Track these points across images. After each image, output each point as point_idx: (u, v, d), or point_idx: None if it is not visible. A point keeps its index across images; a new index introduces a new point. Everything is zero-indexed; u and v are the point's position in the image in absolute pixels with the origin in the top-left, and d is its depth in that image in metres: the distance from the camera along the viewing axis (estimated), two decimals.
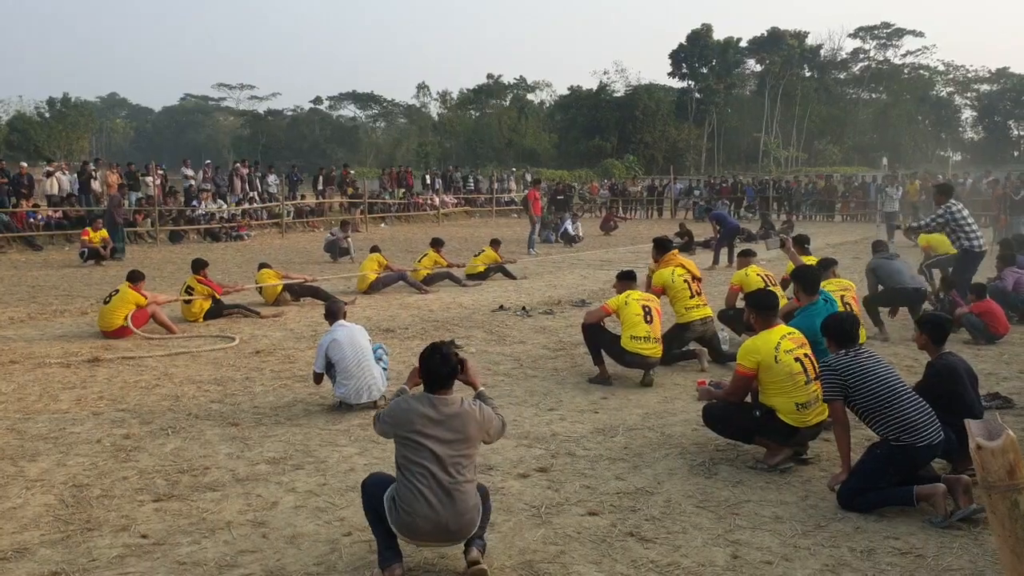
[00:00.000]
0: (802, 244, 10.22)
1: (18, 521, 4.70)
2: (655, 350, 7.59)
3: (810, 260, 9.23)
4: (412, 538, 3.95)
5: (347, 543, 4.36)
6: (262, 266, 13.05)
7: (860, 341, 5.23)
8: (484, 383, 7.67)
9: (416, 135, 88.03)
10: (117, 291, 10.27)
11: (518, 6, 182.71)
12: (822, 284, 7.19)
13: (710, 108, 79.00)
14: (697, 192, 38.39)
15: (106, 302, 10.21)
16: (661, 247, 8.87)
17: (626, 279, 8.08)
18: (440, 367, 4.07)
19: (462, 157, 72.25)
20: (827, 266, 8.85)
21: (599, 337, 7.75)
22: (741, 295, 9.31)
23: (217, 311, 11.31)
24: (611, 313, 7.74)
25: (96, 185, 24.24)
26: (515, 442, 6.00)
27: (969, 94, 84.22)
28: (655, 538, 4.40)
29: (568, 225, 24.40)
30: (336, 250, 18.97)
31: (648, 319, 7.57)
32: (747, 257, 9.87)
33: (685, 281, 8.34)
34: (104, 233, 18.91)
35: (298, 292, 12.58)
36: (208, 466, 5.57)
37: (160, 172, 25.82)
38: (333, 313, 6.98)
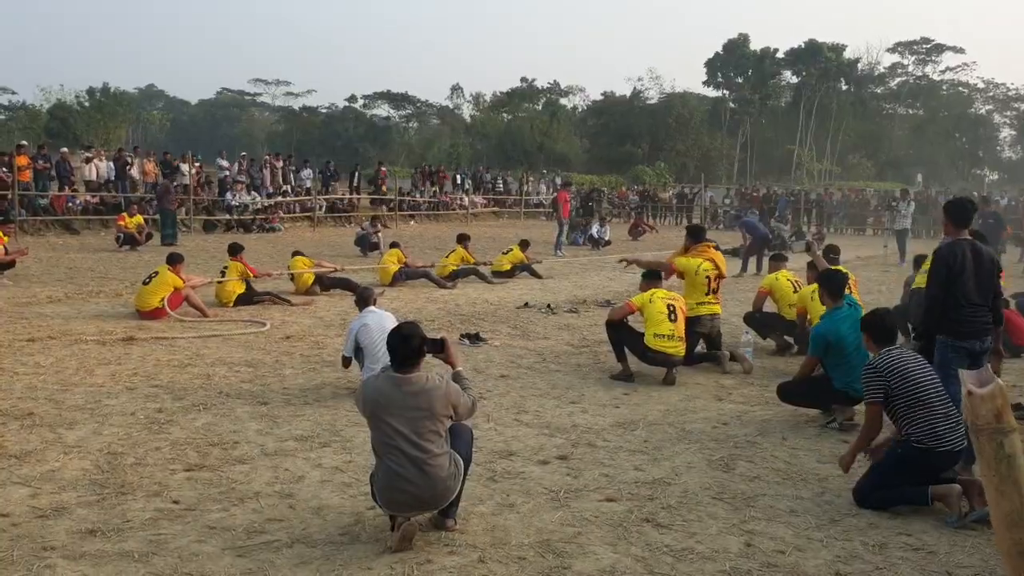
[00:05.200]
0: (830, 255, 10.21)
1: (56, 483, 4.89)
2: (678, 348, 7.66)
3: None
4: (395, 511, 4.15)
5: (371, 516, 4.49)
6: (295, 254, 13.25)
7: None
8: (505, 374, 7.87)
9: (448, 136, 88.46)
10: (157, 273, 10.50)
11: (554, 10, 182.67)
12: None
13: (744, 118, 78.61)
14: (727, 201, 38.28)
15: (146, 283, 10.44)
16: (695, 235, 8.88)
17: (651, 279, 8.15)
18: (401, 346, 4.19)
19: (493, 159, 72.49)
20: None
21: (622, 334, 7.83)
22: (769, 299, 9.42)
23: (248, 297, 11.52)
24: (635, 310, 7.82)
25: (135, 172, 24.73)
26: (536, 431, 6.12)
27: (1009, 112, 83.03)
28: (671, 524, 4.50)
29: (595, 228, 24.48)
30: (366, 244, 19.19)
31: (672, 317, 7.64)
32: (778, 262, 9.91)
33: (707, 277, 8.39)
34: (140, 219, 19.33)
35: (328, 284, 12.78)
36: (238, 440, 5.74)
37: (196, 163, 26.24)
38: (364, 299, 7.12)
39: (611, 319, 7.91)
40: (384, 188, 32.01)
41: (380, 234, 19.84)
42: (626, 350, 7.80)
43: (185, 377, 7.46)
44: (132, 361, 8.01)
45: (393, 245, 14.93)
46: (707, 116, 79.07)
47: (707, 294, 8.39)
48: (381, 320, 6.87)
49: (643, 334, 7.69)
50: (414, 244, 22.48)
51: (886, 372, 4.89)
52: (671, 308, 7.70)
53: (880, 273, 17.92)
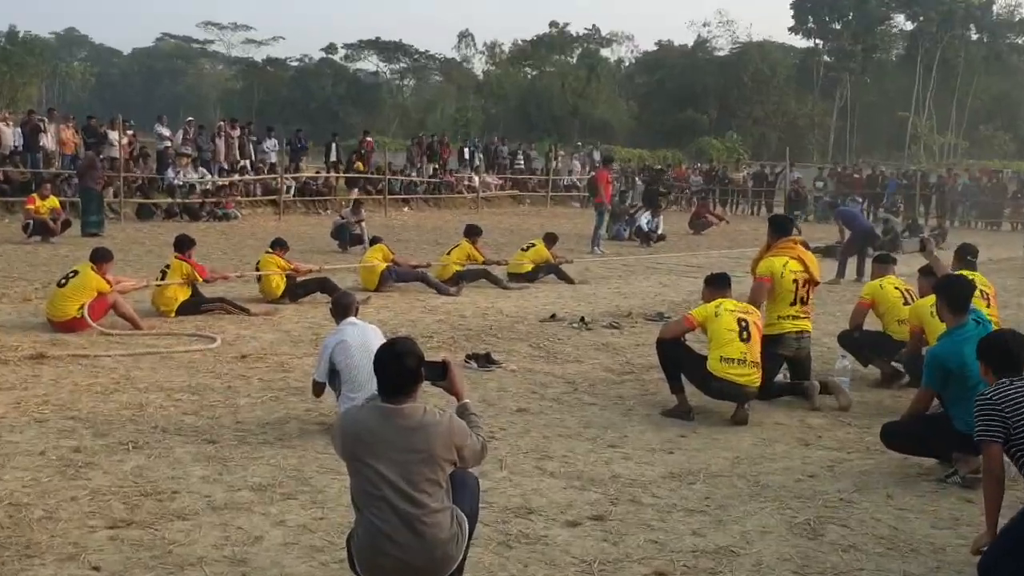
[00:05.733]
0: (965, 257, 10.05)
1: None
2: (752, 377, 7.63)
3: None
4: None
5: None
6: (274, 245, 13.11)
7: None
8: (524, 407, 7.88)
9: (454, 98, 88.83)
10: (76, 272, 10.58)
11: None
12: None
13: (843, 76, 78.43)
14: (820, 184, 38.22)
15: (62, 285, 10.49)
16: (779, 227, 8.85)
17: (718, 285, 8.13)
18: (391, 368, 4.19)
19: (512, 127, 72.70)
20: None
21: (679, 357, 7.81)
22: (873, 314, 9.36)
23: (194, 305, 11.60)
24: (696, 327, 7.80)
25: (49, 142, 24.97)
26: (563, 482, 6.13)
27: None
28: None
29: (644, 219, 24.46)
30: (346, 236, 19.33)
31: (745, 336, 7.60)
32: (885, 264, 9.84)
33: (795, 281, 8.36)
34: (54, 202, 19.52)
35: (299, 292, 12.75)
36: (177, 490, 5.78)
37: (128, 131, 26.49)
38: (343, 308, 7.14)
39: (664, 337, 7.90)
40: (361, 165, 31.98)
41: (365, 224, 19.98)
42: (683, 378, 7.78)
43: (110, 407, 7.50)
44: (42, 385, 8.05)
45: (374, 241, 15.03)
46: (794, 73, 79.04)
47: (793, 304, 8.35)
48: (364, 335, 6.90)
49: (706, 357, 7.67)
50: (408, 237, 22.57)
51: (1005, 405, 4.89)
52: (743, 324, 7.66)
53: (1019, 280, 17.80)
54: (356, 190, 27.97)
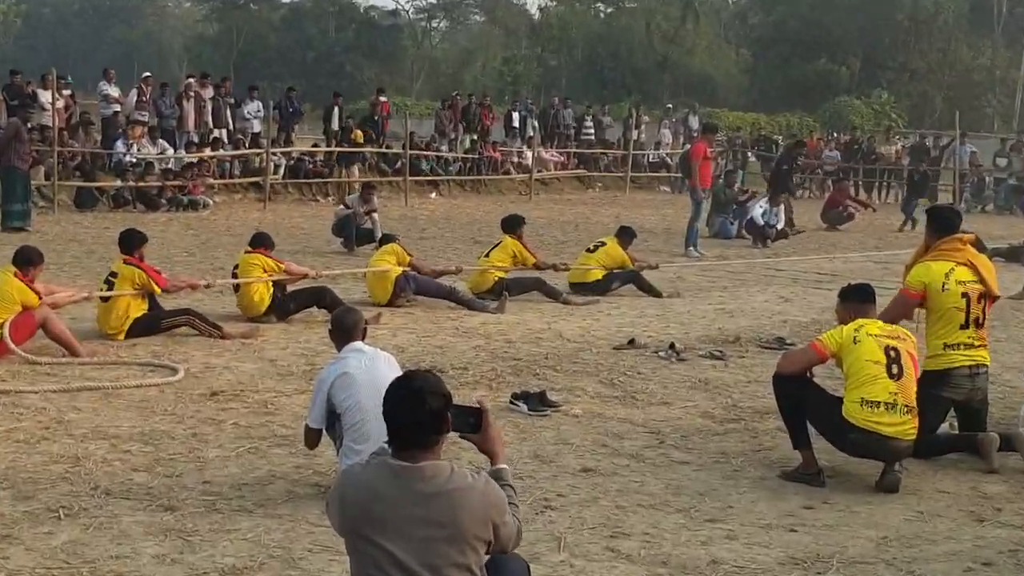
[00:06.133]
0: None
1: None
2: (905, 427, 7.52)
3: None
4: None
5: None
6: (255, 243, 13.09)
7: None
8: (592, 466, 7.84)
9: (500, 45, 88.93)
10: None
11: None
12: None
13: None
14: (1002, 161, 37.78)
15: None
16: (941, 222, 8.72)
17: (858, 301, 8.07)
18: (408, 412, 4.16)
19: (578, 84, 72.66)
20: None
21: (804, 399, 7.74)
22: None
23: (152, 323, 11.67)
24: (827, 358, 7.75)
25: None
26: (644, 570, 6.09)
27: None
28: None
29: (758, 209, 24.26)
30: (352, 231, 19.42)
31: (895, 371, 7.49)
32: None
33: (964, 295, 8.24)
34: None
35: (290, 308, 12.81)
36: (122, 573, 5.79)
37: (65, 90, 26.75)
38: (346, 329, 7.12)
39: (785, 372, 7.86)
40: (360, 135, 32.00)
41: (377, 215, 20.06)
42: (810, 428, 7.73)
43: (36, 460, 7.53)
44: None
45: (385, 240, 15.01)
46: (966, 10, 78.14)
47: (964, 328, 8.24)
48: (374, 367, 6.89)
49: (842, 400, 7.62)
50: (437, 233, 22.59)
51: None
52: (893, 354, 7.56)
53: None
54: (356, 168, 28.02)
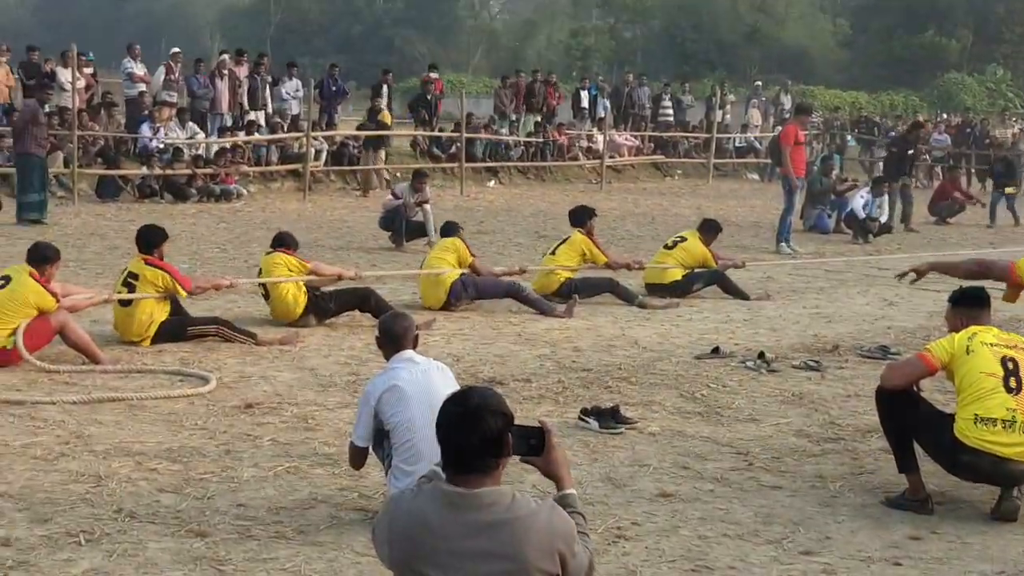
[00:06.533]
0: None
1: None
2: None
3: None
4: None
5: None
6: (276, 243, 13.27)
7: None
8: (671, 491, 7.74)
9: (567, 17, 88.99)
10: (7, 279, 10.67)
11: None
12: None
13: None
14: None
15: None
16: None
17: (971, 305, 7.95)
18: (464, 433, 4.10)
19: (656, 60, 72.63)
20: None
21: (911, 416, 7.61)
22: None
23: (178, 329, 11.72)
24: (936, 370, 7.59)
25: None
26: None
27: None
28: None
29: (859, 200, 24.10)
30: (401, 224, 19.55)
31: (1014, 384, 7.32)
32: None
33: None
34: None
35: (330, 308, 12.84)
36: None
37: (86, 68, 27.00)
38: (394, 337, 7.04)
39: (889, 386, 7.73)
40: (388, 116, 32.00)
41: (429, 206, 20.05)
42: (918, 449, 7.60)
43: (55, 479, 7.49)
44: None
45: (448, 230, 14.91)
46: None
47: None
48: (427, 379, 6.83)
49: (953, 417, 7.47)
50: (496, 227, 22.69)
51: None
52: (1012, 365, 7.39)
53: None
54: (383, 154, 27.80)
